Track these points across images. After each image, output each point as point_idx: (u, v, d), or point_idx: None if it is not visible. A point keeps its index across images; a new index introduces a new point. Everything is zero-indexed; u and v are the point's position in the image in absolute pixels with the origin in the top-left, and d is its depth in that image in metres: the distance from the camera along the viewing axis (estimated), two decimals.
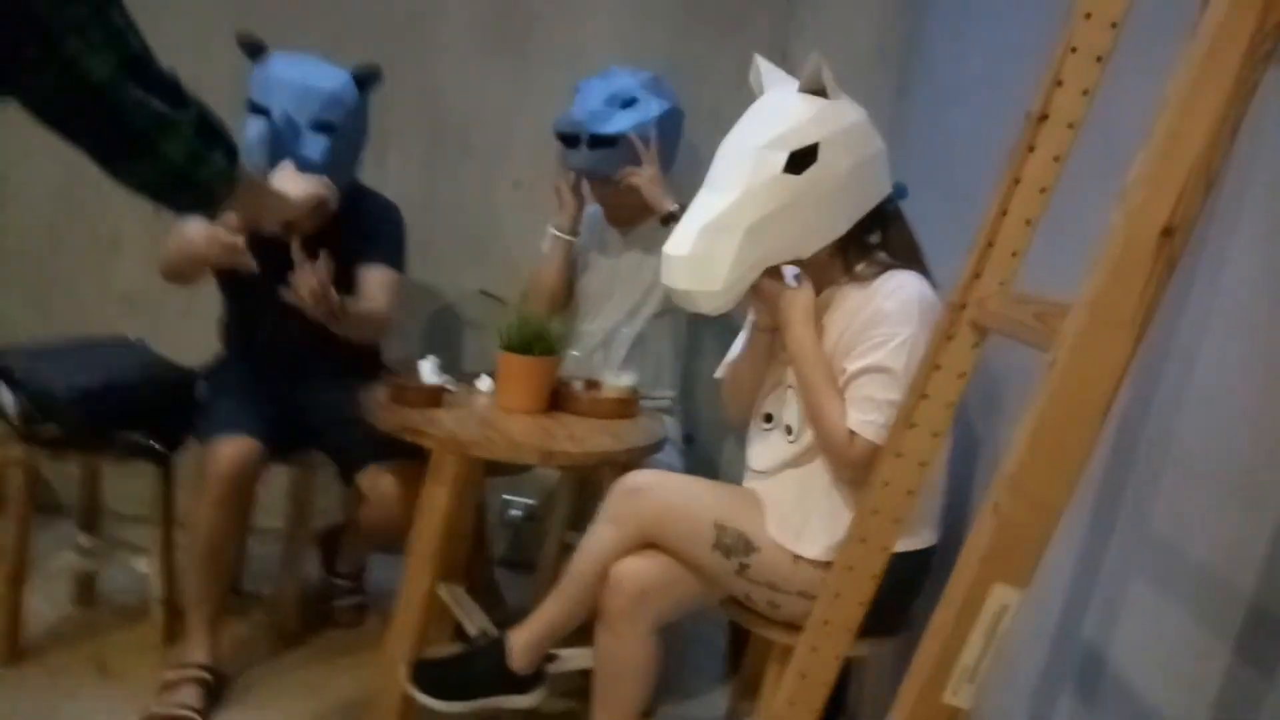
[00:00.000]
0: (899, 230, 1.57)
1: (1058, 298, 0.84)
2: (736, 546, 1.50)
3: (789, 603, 1.51)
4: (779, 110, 1.46)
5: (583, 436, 1.70)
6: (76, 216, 2.48)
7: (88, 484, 2.11)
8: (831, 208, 1.46)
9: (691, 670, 2.23)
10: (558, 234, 2.18)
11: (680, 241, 1.44)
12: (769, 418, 1.61)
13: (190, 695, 1.78)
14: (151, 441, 1.93)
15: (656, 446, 1.79)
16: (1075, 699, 1.20)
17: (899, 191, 1.57)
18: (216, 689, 1.85)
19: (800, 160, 1.41)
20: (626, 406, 1.90)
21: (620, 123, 2.08)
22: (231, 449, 1.82)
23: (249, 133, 1.83)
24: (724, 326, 2.36)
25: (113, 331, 2.09)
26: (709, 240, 1.41)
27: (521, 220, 2.43)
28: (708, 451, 2.52)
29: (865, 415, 1.42)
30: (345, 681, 2.01)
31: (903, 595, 1.54)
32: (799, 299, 1.50)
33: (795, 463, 1.55)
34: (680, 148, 2.26)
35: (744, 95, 1.57)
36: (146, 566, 2.04)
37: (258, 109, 1.86)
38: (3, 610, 1.91)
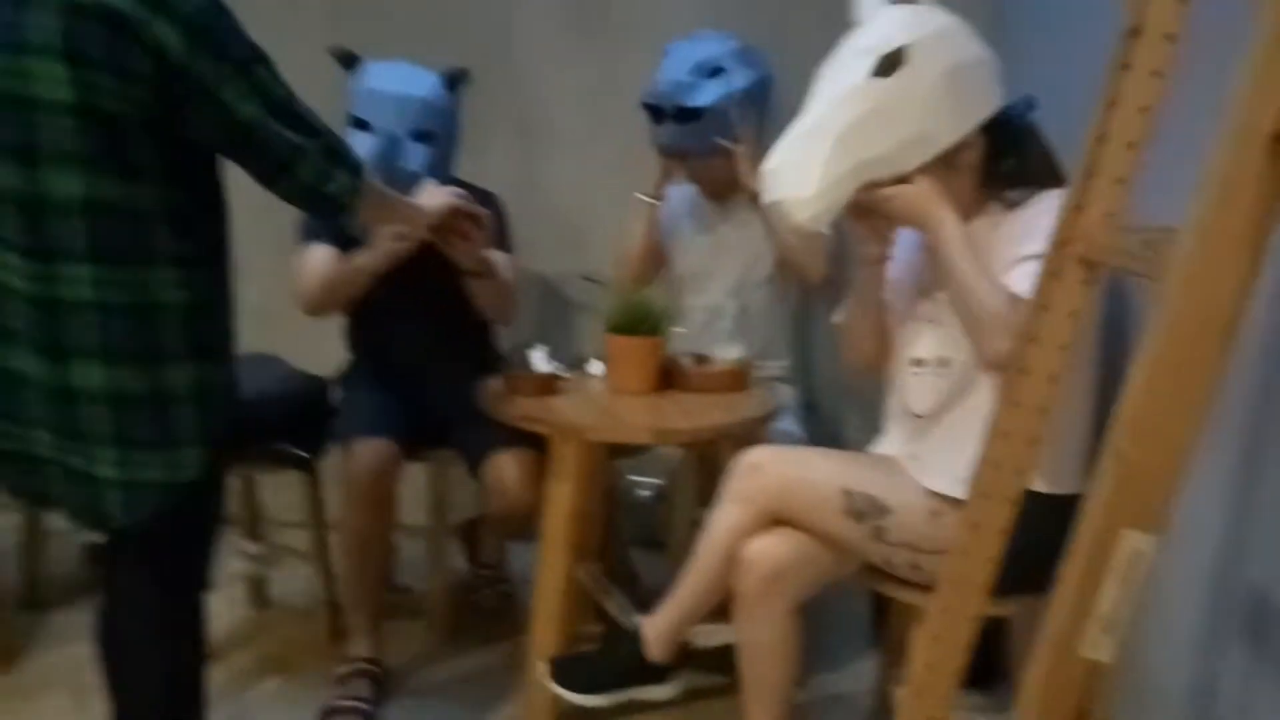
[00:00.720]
0: (1036, 149, 1.48)
1: (1169, 224, 0.78)
2: (868, 510, 1.47)
3: (931, 562, 1.46)
4: (870, 25, 1.43)
5: (695, 412, 1.70)
6: None
7: (246, 494, 2.27)
8: (928, 115, 1.39)
9: (836, 639, 2.21)
10: (641, 198, 2.18)
11: (774, 154, 1.43)
12: (918, 362, 1.56)
13: (360, 687, 1.90)
14: (296, 450, 2.05)
15: (771, 416, 1.77)
16: (1245, 649, 1.12)
17: (1026, 104, 1.48)
18: (383, 681, 1.96)
19: (888, 64, 1.36)
20: (738, 379, 1.89)
21: (706, 94, 2.05)
22: (369, 451, 1.92)
23: (357, 149, 1.91)
24: (841, 286, 2.32)
25: (246, 347, 2.23)
26: (799, 147, 1.40)
27: (618, 202, 2.45)
28: (830, 418, 2.48)
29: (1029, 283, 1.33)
30: (497, 670, 2.09)
31: (1048, 547, 1.47)
32: (918, 190, 1.41)
33: (955, 399, 1.49)
34: (772, 117, 2.21)
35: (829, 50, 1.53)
36: (307, 570, 2.18)
37: (360, 124, 1.93)
38: None
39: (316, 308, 2.03)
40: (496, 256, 2.04)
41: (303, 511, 2.16)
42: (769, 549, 1.50)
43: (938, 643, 1.08)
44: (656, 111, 2.09)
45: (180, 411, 1.23)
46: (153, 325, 1.20)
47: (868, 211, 1.47)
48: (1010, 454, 1.03)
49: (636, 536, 2.63)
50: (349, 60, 2.01)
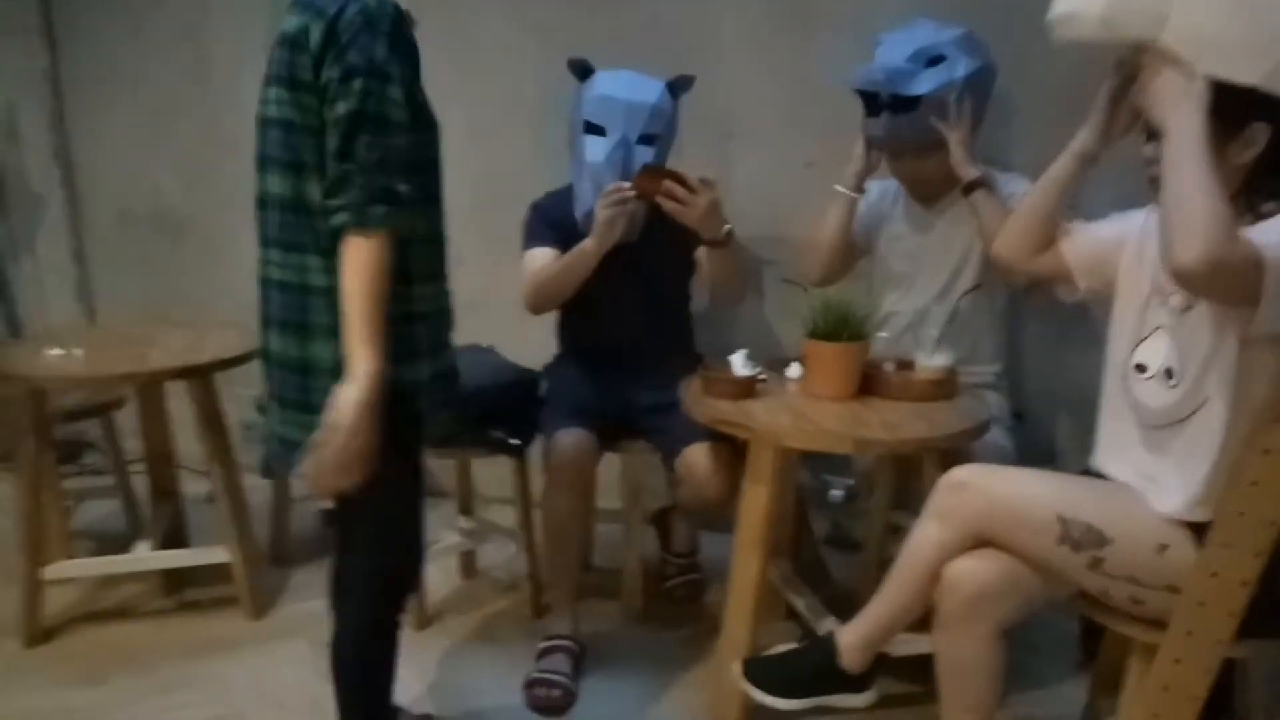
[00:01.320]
0: None
1: None
2: (1086, 540, 1.39)
3: (1154, 598, 1.36)
4: None
5: (897, 423, 1.67)
6: None
7: (461, 473, 2.45)
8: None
9: (1042, 658, 2.11)
10: (841, 189, 2.13)
11: None
12: (1140, 368, 1.47)
13: (561, 662, 2.02)
14: (508, 437, 2.18)
15: (978, 430, 1.70)
16: None
17: None
18: (580, 657, 2.07)
19: None
20: (942, 388, 1.83)
21: (925, 83, 1.96)
22: (570, 441, 2.02)
23: (591, 152, 2.05)
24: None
25: (462, 337, 2.40)
26: None
27: (817, 201, 2.41)
28: (1040, 427, 2.35)
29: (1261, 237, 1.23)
30: (687, 654, 2.16)
31: None
32: (1186, 85, 1.30)
33: (1180, 414, 1.40)
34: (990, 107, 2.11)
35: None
36: (514, 546, 2.33)
37: (593, 128, 2.06)
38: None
39: (541, 304, 2.16)
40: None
41: (511, 490, 2.31)
42: (974, 571, 1.45)
43: (1167, 694, 1.01)
44: (871, 100, 2.02)
45: (319, 382, 1.34)
46: (304, 304, 1.36)
47: (1123, 86, 1.43)
48: (1258, 503, 0.95)
49: (828, 535, 2.62)
50: (584, 71, 2.12)
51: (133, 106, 3.17)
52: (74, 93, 3.23)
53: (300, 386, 1.39)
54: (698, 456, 2.02)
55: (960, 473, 1.51)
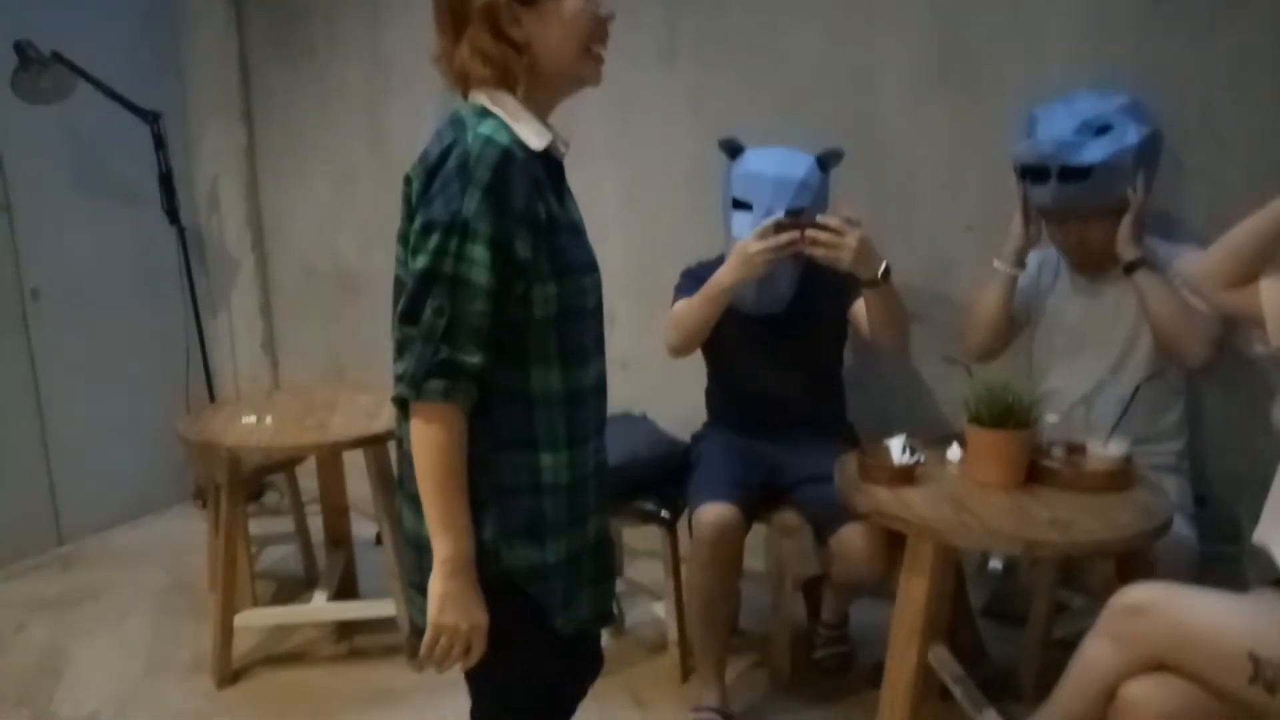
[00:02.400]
0: None
1: None
2: None
3: None
4: None
5: (1068, 520, 1.59)
6: None
7: (614, 536, 2.50)
8: None
9: None
10: (1000, 265, 2.06)
11: None
12: None
13: None
14: (659, 510, 2.22)
15: (1160, 531, 1.61)
16: None
17: None
18: None
19: None
20: (1117, 479, 1.74)
21: (1095, 152, 1.90)
22: (715, 515, 2.03)
23: (738, 227, 2.06)
24: (1235, 361, 2.05)
25: (613, 390, 2.46)
26: None
27: (976, 266, 2.35)
28: (1225, 511, 2.19)
29: None
30: (825, 716, 2.12)
31: None
32: None
33: None
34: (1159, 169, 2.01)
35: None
36: (661, 610, 2.36)
37: (741, 204, 2.09)
38: None
39: (678, 343, 2.15)
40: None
41: (660, 553, 2.34)
42: (1154, 695, 1.38)
43: None
44: (1038, 172, 1.97)
45: (428, 561, 1.18)
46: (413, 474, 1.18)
47: None
48: None
49: (986, 606, 2.52)
50: (734, 150, 2.16)
51: (317, 175, 3.45)
52: (266, 165, 3.55)
53: (415, 565, 1.24)
54: (853, 536, 2.00)
55: (1137, 594, 1.43)
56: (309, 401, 2.61)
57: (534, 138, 1.16)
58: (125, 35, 3.34)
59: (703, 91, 2.70)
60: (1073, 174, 1.91)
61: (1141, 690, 1.39)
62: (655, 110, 2.77)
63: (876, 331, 2.11)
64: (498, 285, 1.12)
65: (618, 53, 2.76)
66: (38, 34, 2.91)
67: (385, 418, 2.36)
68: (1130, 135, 1.90)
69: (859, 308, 2.11)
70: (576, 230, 1.24)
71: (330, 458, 2.61)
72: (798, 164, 2.09)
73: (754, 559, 2.36)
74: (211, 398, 3.47)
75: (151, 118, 3.19)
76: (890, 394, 2.55)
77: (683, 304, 2.13)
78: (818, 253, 1.94)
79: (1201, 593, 1.44)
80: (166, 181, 3.28)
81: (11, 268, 3.07)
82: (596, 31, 1.18)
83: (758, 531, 2.24)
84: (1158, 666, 1.39)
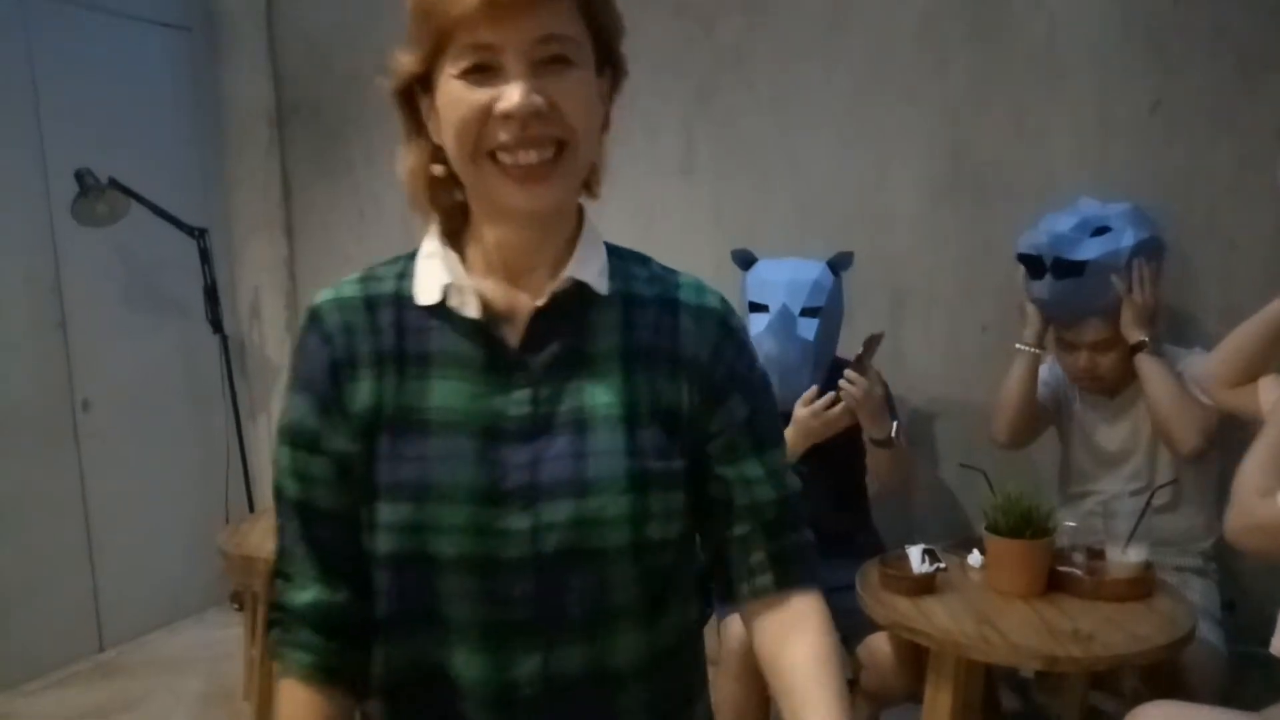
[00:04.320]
0: None
1: None
2: None
3: None
4: None
5: (1089, 632, 1.59)
6: None
7: None
8: None
9: None
10: (1022, 347, 2.11)
11: None
12: None
13: None
14: None
15: (1182, 643, 1.60)
16: None
17: None
18: None
19: None
20: (1137, 587, 1.74)
21: (1090, 249, 1.97)
22: (741, 627, 2.03)
23: (755, 328, 2.14)
24: None
25: None
26: None
27: (994, 366, 2.39)
28: (1256, 615, 2.16)
29: None
30: None
31: None
32: None
33: None
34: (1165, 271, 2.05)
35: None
36: None
37: (757, 307, 2.16)
38: None
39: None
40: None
41: None
42: None
43: None
44: (1034, 265, 2.04)
45: None
46: None
47: None
48: None
49: (1020, 713, 2.48)
50: (747, 261, 2.25)
51: None
52: (306, 275, 3.70)
53: None
54: (881, 644, 2.00)
55: (1150, 714, 1.43)
56: None
57: (426, 287, 0.84)
58: (174, 157, 3.54)
59: (721, 202, 2.80)
60: (1066, 269, 1.97)
61: None
62: (676, 219, 2.88)
63: (878, 482, 2.17)
64: (306, 496, 0.84)
65: (640, 164, 2.92)
66: (95, 161, 3.11)
67: None
68: (1127, 238, 1.96)
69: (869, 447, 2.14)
70: (460, 431, 0.81)
71: None
72: (810, 268, 2.18)
73: None
74: (251, 505, 3.55)
75: (198, 233, 3.36)
76: (912, 501, 2.56)
77: None
78: (846, 395, 2.01)
79: (1213, 713, 1.43)
80: (211, 293, 3.43)
81: (64, 380, 3.21)
82: (489, 131, 0.77)
83: None
84: None
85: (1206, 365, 1.71)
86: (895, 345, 2.58)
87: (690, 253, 2.86)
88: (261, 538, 2.45)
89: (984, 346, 2.48)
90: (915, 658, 1.94)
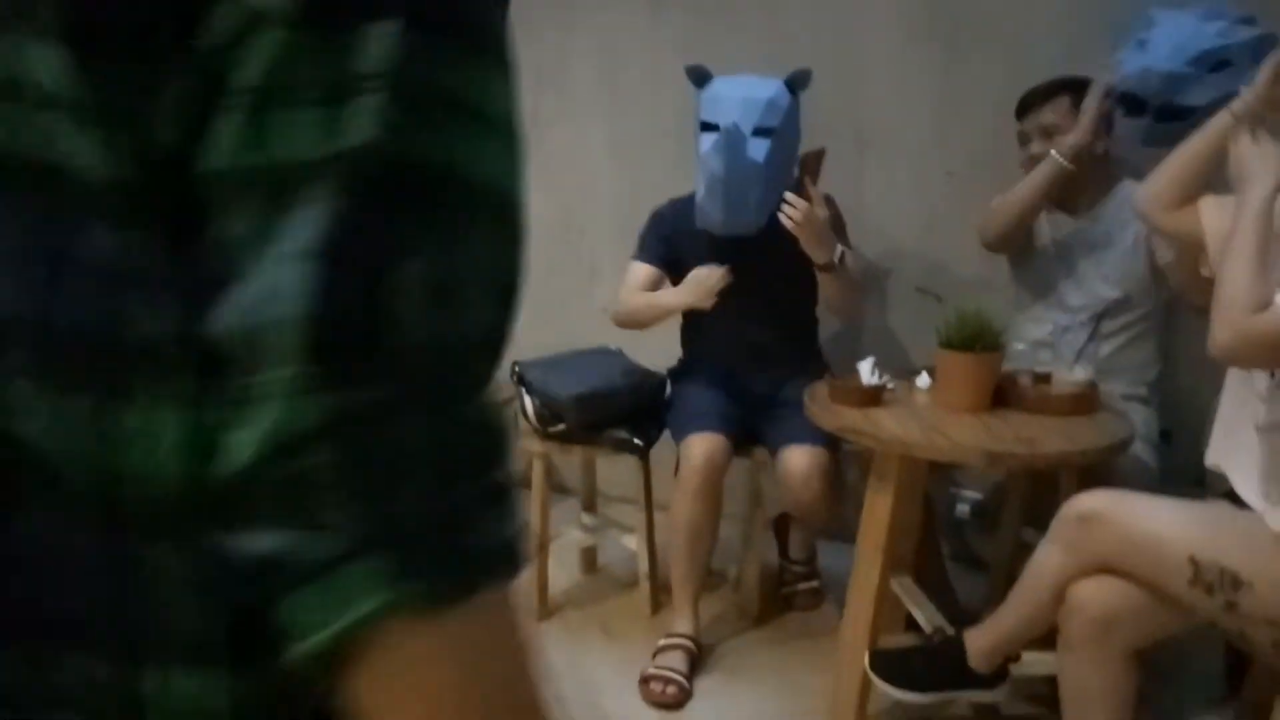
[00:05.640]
0: None
1: None
2: (1220, 583, 1.32)
3: None
4: None
5: (1031, 437, 1.63)
6: (567, 250, 2.94)
7: (587, 471, 2.52)
8: None
9: (1182, 690, 2.01)
10: (1058, 157, 1.93)
11: None
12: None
13: (678, 660, 2.05)
14: (633, 438, 2.24)
15: (1119, 447, 1.64)
16: None
17: None
18: (698, 657, 2.11)
19: None
20: (1082, 403, 1.77)
21: (1205, 91, 1.72)
22: (703, 445, 2.06)
23: (703, 147, 2.06)
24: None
25: (594, 342, 2.47)
26: None
27: (955, 212, 2.37)
28: (1190, 450, 2.23)
29: None
30: (803, 662, 2.15)
31: None
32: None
33: None
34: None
35: None
36: (634, 544, 2.38)
37: (708, 126, 2.07)
38: (534, 574, 2.37)
39: (622, 324, 2.24)
40: (849, 255, 2.10)
41: (633, 489, 2.36)
42: (1100, 595, 1.41)
43: None
44: (1134, 103, 1.84)
45: None
46: None
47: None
48: None
49: (955, 553, 2.56)
50: (701, 78, 2.16)
51: None
52: None
53: None
54: (794, 458, 2.03)
55: (1087, 502, 1.46)
56: None
57: None
58: None
59: (691, 42, 2.70)
60: (1173, 113, 1.79)
61: (1087, 592, 1.42)
62: (643, 61, 2.77)
63: (828, 306, 2.18)
64: None
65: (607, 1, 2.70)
66: None
67: None
68: (1247, 77, 1.61)
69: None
70: None
71: None
72: (765, 85, 2.07)
73: (726, 498, 2.38)
74: None
75: None
76: (864, 336, 2.57)
77: (633, 290, 2.21)
78: (787, 221, 1.97)
79: (1151, 500, 1.47)
80: None
81: None
82: None
83: (732, 471, 2.26)
84: (1105, 570, 1.42)
85: (1147, 188, 1.66)
86: (858, 190, 2.56)
87: (651, 90, 2.77)
88: None
89: (949, 193, 2.47)
90: (826, 474, 2.03)
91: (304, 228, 0.31)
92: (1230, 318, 1.29)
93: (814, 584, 2.43)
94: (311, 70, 0.31)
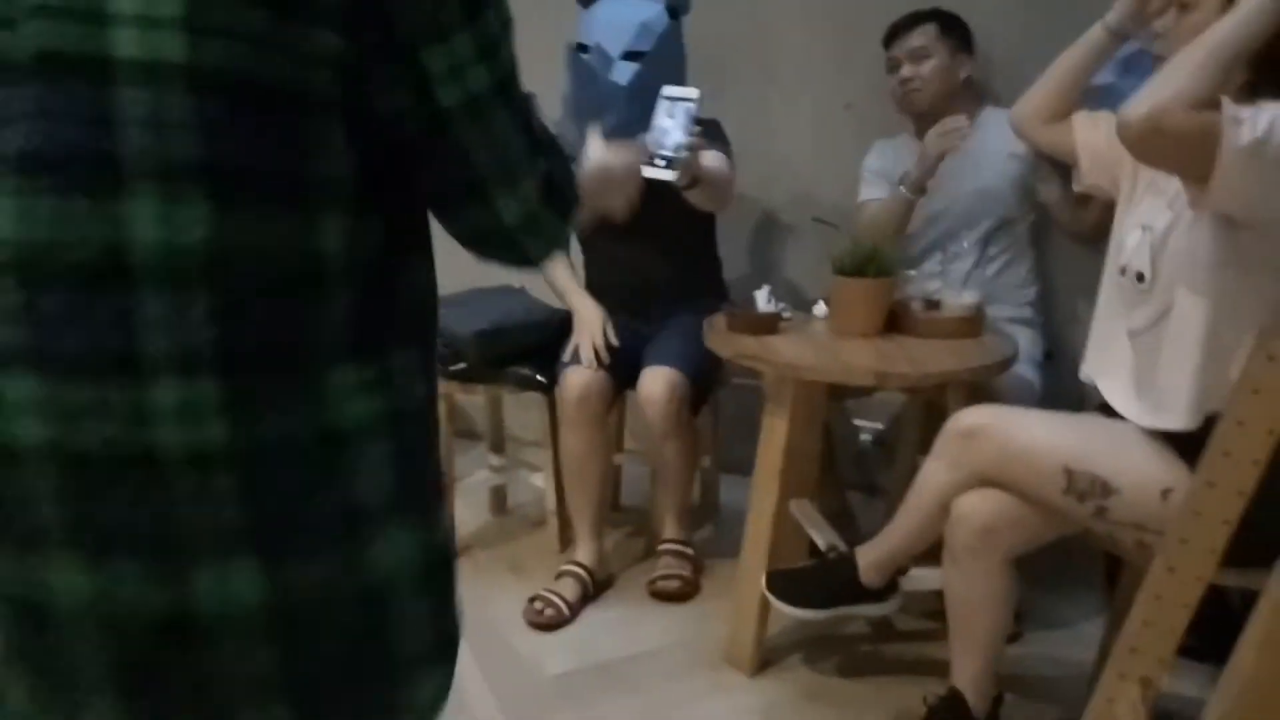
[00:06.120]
0: None
1: None
2: (1091, 490, 1.38)
3: (1160, 543, 1.36)
4: None
5: (921, 358, 1.67)
6: None
7: (493, 412, 2.50)
8: None
9: (1065, 600, 2.12)
10: (1112, 23, 1.75)
11: None
12: (1123, 270, 1.46)
13: (567, 586, 2.09)
14: (535, 374, 2.23)
15: (1003, 365, 1.69)
16: None
17: None
18: (592, 585, 2.13)
19: None
20: (970, 325, 1.82)
21: None
22: (579, 379, 2.06)
23: (570, 70, 1.99)
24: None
25: (499, 282, 2.44)
26: None
27: (853, 144, 2.39)
28: (1072, 370, 2.32)
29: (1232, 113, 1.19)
30: (707, 592, 2.19)
31: None
32: None
33: (1149, 320, 1.39)
34: None
35: None
36: (541, 482, 2.38)
37: (581, 48, 2.00)
38: None
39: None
40: (710, 154, 2.01)
41: (540, 430, 2.35)
42: (981, 506, 1.46)
43: (1159, 602, 1.02)
44: None
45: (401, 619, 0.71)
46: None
47: None
48: (1258, 411, 0.94)
49: (856, 481, 2.63)
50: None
51: None
52: None
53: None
54: (650, 379, 2.04)
55: (968, 417, 1.51)
56: None
57: None
58: None
59: None
60: None
61: (969, 504, 1.48)
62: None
63: (701, 208, 2.10)
64: None
65: None
66: None
67: None
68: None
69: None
70: None
71: None
72: (643, 8, 2.00)
73: (636, 437, 2.40)
74: None
75: None
76: (768, 273, 2.59)
77: (556, 271, 2.20)
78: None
79: (1029, 414, 1.52)
80: None
81: None
82: None
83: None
84: (986, 483, 1.47)
85: (1022, 103, 1.69)
86: (761, 120, 2.56)
87: (546, 22, 2.69)
88: None
89: (845, 124, 2.48)
90: (681, 401, 2.03)
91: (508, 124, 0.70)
92: (1160, 96, 1.20)
93: (685, 573, 2.19)
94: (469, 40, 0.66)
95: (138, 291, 0.57)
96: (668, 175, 1.66)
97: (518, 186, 0.71)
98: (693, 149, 1.82)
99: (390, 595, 0.67)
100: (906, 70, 2.09)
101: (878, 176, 2.20)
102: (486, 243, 0.76)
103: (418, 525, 0.69)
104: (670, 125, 1.67)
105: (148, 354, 0.57)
